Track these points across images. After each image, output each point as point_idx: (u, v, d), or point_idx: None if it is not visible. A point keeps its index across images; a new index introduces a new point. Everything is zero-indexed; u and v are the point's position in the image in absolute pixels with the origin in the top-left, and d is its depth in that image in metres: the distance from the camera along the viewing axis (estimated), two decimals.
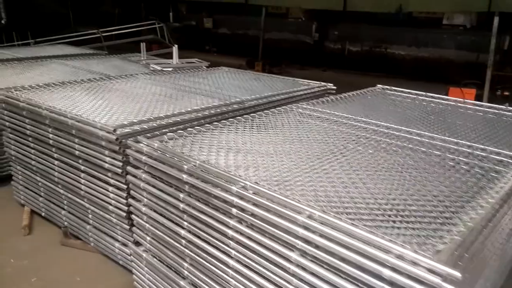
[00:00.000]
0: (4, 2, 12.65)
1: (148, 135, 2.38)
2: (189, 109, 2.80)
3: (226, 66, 5.34)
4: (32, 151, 2.99)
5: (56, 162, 2.81)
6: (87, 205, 2.72)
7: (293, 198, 1.49)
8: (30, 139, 2.97)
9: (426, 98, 3.54)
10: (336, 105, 3.11)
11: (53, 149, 2.78)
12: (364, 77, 10.39)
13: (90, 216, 2.75)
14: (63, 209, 2.97)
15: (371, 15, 10.39)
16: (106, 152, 2.36)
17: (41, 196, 3.15)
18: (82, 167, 2.61)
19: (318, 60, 11.86)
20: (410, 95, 3.61)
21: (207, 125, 2.44)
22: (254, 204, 1.59)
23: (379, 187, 1.71)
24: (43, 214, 3.19)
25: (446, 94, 7.29)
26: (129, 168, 2.19)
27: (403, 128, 2.47)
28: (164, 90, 3.51)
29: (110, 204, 2.50)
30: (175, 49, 5.28)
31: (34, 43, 9.14)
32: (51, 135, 2.73)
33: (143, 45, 5.62)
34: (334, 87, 4.12)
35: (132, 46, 10.96)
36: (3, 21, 12.69)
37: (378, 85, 3.88)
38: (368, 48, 11.35)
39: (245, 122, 2.56)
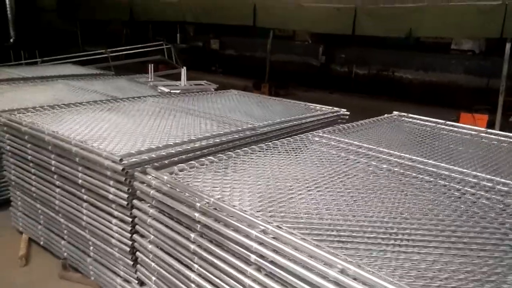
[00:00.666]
0: (13, 20, 12.81)
1: (157, 164, 2.25)
2: (200, 136, 2.66)
3: (232, 87, 5.29)
4: (33, 177, 2.84)
5: (57, 190, 2.66)
6: (88, 236, 2.55)
7: (323, 247, 1.32)
8: (31, 164, 2.82)
9: (445, 127, 3.39)
10: (353, 133, 2.95)
11: (55, 176, 2.63)
12: (371, 101, 10.29)
13: (91, 248, 2.57)
14: (63, 239, 2.80)
15: (378, 39, 10.38)
16: (111, 182, 2.20)
17: (40, 224, 2.98)
18: (85, 197, 2.45)
19: (325, 83, 11.81)
20: (429, 123, 3.46)
21: (219, 154, 2.29)
22: (275, 251, 1.43)
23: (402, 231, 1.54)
24: (41, 243, 3.01)
25: (457, 120, 7.17)
26: (135, 201, 2.03)
27: (429, 161, 2.30)
28: (172, 114, 3.38)
29: (113, 238, 2.32)
30: (183, 71, 5.18)
31: (41, 62, 9.13)
32: (53, 162, 2.58)
33: (150, 67, 5.54)
34: (347, 113, 3.99)
35: (139, 66, 10.98)
36: (11, 40, 12.81)
37: (395, 112, 3.74)
38: (375, 71, 11.30)
39: (259, 152, 2.41)
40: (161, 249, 1.93)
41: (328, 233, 1.49)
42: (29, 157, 2.78)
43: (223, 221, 1.58)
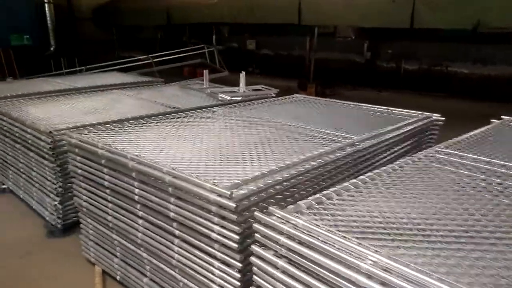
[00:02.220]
0: (53, 30, 12.95)
1: (263, 194, 1.87)
2: (302, 157, 2.26)
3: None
4: (110, 205, 2.53)
5: (140, 221, 2.32)
6: (179, 276, 2.20)
7: None
8: (107, 191, 2.51)
9: None
10: (480, 148, 2.47)
11: (138, 206, 2.30)
12: (425, 98, 9.64)
13: None
14: (145, 275, 2.47)
15: (427, 31, 9.66)
16: (215, 219, 1.84)
17: (116, 257, 2.67)
18: (177, 232, 2.10)
19: (371, 80, 11.20)
20: None
21: (345, 184, 1.88)
22: None
23: None
24: (118, 278, 2.70)
25: None
26: (255, 248, 1.64)
27: None
28: (250, 127, 3.02)
29: (214, 283, 1.96)
30: (242, 76, 4.82)
31: (85, 70, 9.05)
32: (136, 190, 2.25)
33: (205, 72, 5.22)
34: (442, 118, 3.50)
35: (175, 70, 10.75)
36: (52, 48, 12.95)
37: (504, 117, 3.21)
38: (426, 66, 10.58)
39: (383, 177, 1.98)
40: None
41: None
42: (106, 183, 2.47)
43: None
